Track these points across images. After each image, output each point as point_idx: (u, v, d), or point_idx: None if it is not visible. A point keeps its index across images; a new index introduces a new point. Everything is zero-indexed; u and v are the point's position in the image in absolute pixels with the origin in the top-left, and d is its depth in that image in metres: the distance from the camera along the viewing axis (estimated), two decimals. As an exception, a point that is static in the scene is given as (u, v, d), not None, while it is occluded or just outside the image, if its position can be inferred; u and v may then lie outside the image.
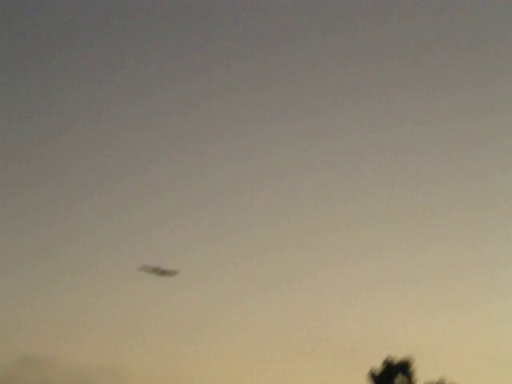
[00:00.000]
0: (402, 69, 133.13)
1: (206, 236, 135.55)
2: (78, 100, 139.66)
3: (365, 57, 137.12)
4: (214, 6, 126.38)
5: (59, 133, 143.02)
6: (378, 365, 73.42)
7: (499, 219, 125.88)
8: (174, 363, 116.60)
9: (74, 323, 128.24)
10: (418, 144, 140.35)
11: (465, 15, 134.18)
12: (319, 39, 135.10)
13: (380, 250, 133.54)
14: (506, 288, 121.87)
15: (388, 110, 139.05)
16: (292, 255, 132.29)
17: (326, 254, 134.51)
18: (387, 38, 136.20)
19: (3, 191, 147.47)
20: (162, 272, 62.34)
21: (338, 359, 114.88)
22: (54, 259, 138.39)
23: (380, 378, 72.78)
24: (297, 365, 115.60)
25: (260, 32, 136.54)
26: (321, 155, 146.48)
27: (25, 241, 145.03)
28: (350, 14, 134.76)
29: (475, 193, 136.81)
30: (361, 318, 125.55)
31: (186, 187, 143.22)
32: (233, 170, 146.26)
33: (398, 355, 73.00)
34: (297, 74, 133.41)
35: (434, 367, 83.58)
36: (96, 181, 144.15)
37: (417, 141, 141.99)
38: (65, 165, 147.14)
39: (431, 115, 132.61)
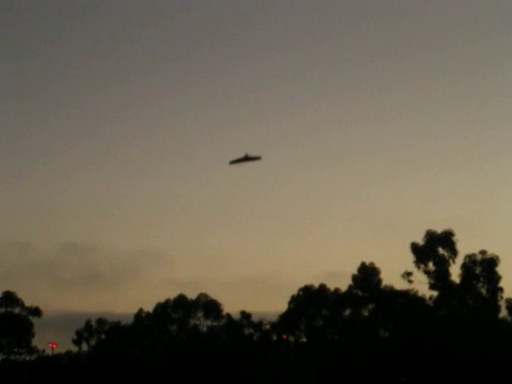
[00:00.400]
0: None
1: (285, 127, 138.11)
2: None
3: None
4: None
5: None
6: (418, 238, 75.37)
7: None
8: (218, 247, 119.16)
9: (114, 212, 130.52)
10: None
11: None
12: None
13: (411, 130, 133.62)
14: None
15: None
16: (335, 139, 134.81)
17: (365, 139, 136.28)
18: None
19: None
20: (248, 158, 65.56)
21: (379, 233, 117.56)
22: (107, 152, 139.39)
23: (422, 250, 74.74)
24: (340, 238, 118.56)
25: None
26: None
27: (80, 118, 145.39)
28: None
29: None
30: (399, 194, 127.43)
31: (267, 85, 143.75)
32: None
33: (438, 229, 74.75)
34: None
35: (474, 240, 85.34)
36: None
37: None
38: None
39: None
